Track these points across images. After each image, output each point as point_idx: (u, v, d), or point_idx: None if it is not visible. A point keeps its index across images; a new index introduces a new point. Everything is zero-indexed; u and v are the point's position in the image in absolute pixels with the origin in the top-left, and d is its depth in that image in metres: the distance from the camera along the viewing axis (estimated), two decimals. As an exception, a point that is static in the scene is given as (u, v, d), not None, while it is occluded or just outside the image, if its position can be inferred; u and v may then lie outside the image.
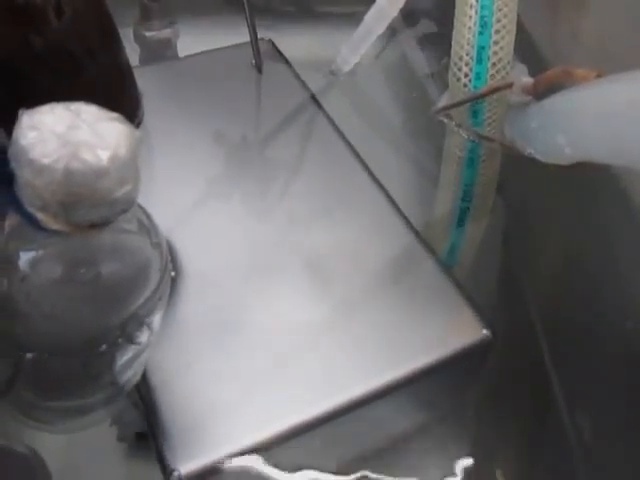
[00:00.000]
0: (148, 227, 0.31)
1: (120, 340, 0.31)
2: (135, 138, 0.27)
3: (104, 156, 0.26)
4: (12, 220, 0.29)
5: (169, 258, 0.32)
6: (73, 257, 0.29)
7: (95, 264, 0.29)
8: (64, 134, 0.26)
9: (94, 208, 0.26)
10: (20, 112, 0.27)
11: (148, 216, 0.31)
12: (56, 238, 0.28)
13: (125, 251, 0.30)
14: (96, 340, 0.30)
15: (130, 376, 0.35)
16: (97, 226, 0.27)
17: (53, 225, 0.26)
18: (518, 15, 0.55)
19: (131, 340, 0.31)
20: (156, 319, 0.32)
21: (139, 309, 0.30)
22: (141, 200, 0.29)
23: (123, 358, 0.33)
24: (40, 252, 0.29)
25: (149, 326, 0.32)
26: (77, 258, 0.29)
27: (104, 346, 0.31)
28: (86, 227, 0.27)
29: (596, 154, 0.44)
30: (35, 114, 0.27)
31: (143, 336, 0.32)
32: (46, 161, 0.25)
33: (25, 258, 0.29)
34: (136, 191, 0.28)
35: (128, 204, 0.28)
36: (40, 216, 0.26)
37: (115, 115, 0.28)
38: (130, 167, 0.27)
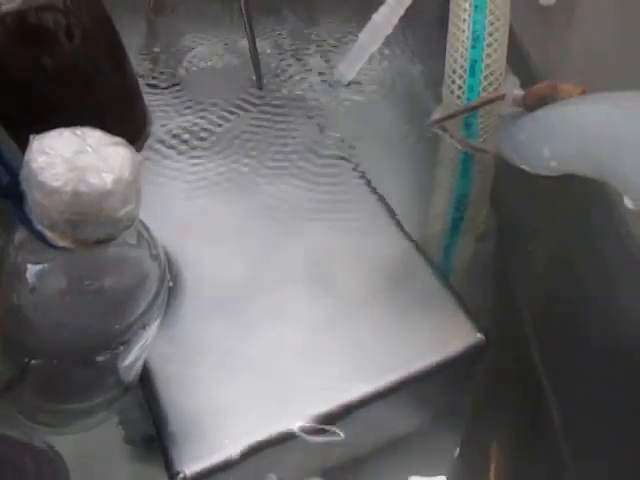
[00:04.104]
0: (148, 240, 0.32)
1: (121, 346, 0.32)
2: (137, 161, 0.29)
3: (108, 179, 0.27)
4: (21, 234, 0.30)
5: (167, 269, 0.33)
6: (78, 270, 0.30)
7: (98, 276, 0.30)
8: (71, 159, 0.27)
9: (99, 226, 0.28)
10: (31, 137, 0.29)
11: (147, 229, 0.32)
12: (62, 252, 0.29)
13: (126, 263, 0.31)
14: (100, 346, 0.32)
15: (130, 378, 0.36)
16: (102, 242, 0.28)
17: (61, 242, 0.28)
18: (511, 28, 0.55)
19: (131, 346, 0.33)
20: (154, 326, 0.33)
21: (139, 317, 0.31)
22: (141, 213, 0.30)
23: (124, 362, 0.34)
24: (47, 265, 0.30)
25: (148, 332, 0.33)
26: (82, 270, 0.30)
27: (107, 352, 0.32)
28: (91, 243, 0.28)
29: (577, 168, 0.46)
30: (44, 139, 0.28)
31: (142, 341, 0.33)
32: (55, 184, 0.27)
33: (33, 271, 0.30)
34: (138, 209, 0.29)
35: (131, 222, 0.29)
36: (49, 234, 0.28)
37: (118, 139, 0.29)
38: (132, 188, 0.28)
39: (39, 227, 0.28)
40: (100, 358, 0.32)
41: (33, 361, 0.32)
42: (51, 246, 0.28)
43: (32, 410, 0.36)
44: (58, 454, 0.34)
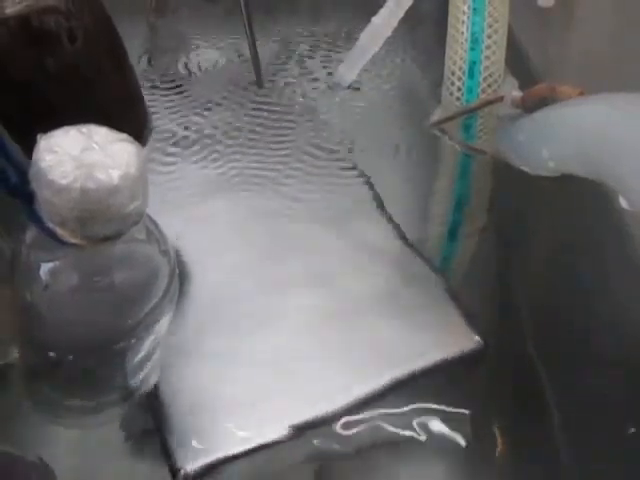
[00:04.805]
0: (156, 236, 0.32)
1: (132, 341, 0.32)
2: (143, 157, 0.29)
3: (115, 175, 0.28)
4: (32, 233, 0.31)
5: (177, 264, 0.33)
6: (89, 266, 0.30)
7: (109, 272, 0.31)
8: (79, 156, 0.28)
9: (108, 222, 0.28)
10: (38, 137, 0.29)
11: (156, 225, 0.33)
12: (73, 249, 0.29)
13: (136, 259, 0.32)
14: (112, 341, 0.32)
15: (143, 377, 0.36)
16: (111, 238, 0.29)
17: (71, 239, 0.28)
18: (509, 30, 0.56)
19: (143, 341, 0.33)
20: (165, 321, 0.34)
21: (150, 312, 0.32)
22: (150, 210, 0.31)
23: (135, 358, 0.34)
24: (59, 263, 0.31)
25: (158, 328, 0.33)
26: (93, 267, 0.31)
27: (120, 347, 0.32)
28: (101, 240, 0.28)
29: (575, 169, 0.46)
30: (52, 138, 0.29)
31: (153, 337, 0.34)
32: (64, 182, 0.27)
33: (46, 268, 0.30)
34: (145, 205, 0.29)
35: (139, 217, 0.29)
36: (59, 231, 0.28)
37: (124, 136, 0.30)
38: (139, 183, 0.28)
39: (49, 225, 0.28)
40: (112, 353, 0.33)
41: (51, 354, 0.33)
42: (62, 243, 0.29)
43: (47, 404, 0.36)
44: (50, 469, 0.34)
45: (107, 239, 0.29)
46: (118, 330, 0.32)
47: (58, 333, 0.31)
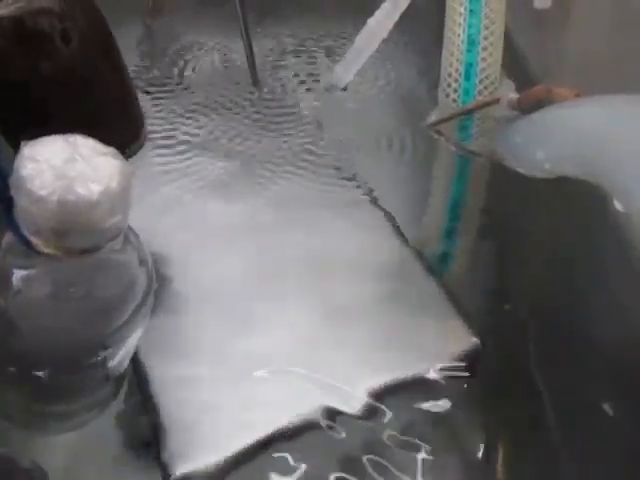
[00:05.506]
0: (135, 245, 0.32)
1: (108, 350, 0.32)
2: (127, 172, 0.29)
3: (96, 189, 0.27)
4: (10, 238, 0.30)
5: (154, 276, 0.33)
6: (65, 276, 0.30)
7: (85, 282, 0.31)
8: (60, 167, 0.27)
9: (84, 236, 0.28)
10: (22, 144, 0.29)
11: (136, 235, 0.33)
12: (49, 258, 0.29)
13: (113, 269, 0.31)
14: (86, 350, 0.32)
15: (122, 383, 0.37)
16: (87, 251, 0.29)
17: (45, 249, 0.28)
18: (506, 32, 0.56)
19: (118, 349, 0.33)
20: (140, 329, 0.34)
21: (126, 321, 0.32)
22: (137, 214, 0.31)
23: (110, 364, 0.34)
24: (34, 270, 0.30)
25: (134, 336, 0.33)
26: (69, 276, 0.30)
27: (94, 355, 0.32)
28: (76, 252, 0.28)
29: (571, 170, 0.46)
30: (35, 146, 0.29)
31: (128, 345, 0.34)
32: (42, 192, 0.27)
33: (19, 275, 0.30)
34: (126, 220, 0.29)
35: (118, 232, 0.29)
36: (34, 240, 0.28)
37: (110, 149, 0.29)
38: (121, 199, 0.28)
39: (24, 232, 0.28)
40: (86, 361, 0.33)
41: (26, 361, 0.33)
42: (36, 252, 0.29)
43: (22, 413, 0.37)
44: (43, 472, 0.34)
45: (84, 252, 0.29)
46: (93, 339, 0.32)
47: (30, 340, 0.31)
